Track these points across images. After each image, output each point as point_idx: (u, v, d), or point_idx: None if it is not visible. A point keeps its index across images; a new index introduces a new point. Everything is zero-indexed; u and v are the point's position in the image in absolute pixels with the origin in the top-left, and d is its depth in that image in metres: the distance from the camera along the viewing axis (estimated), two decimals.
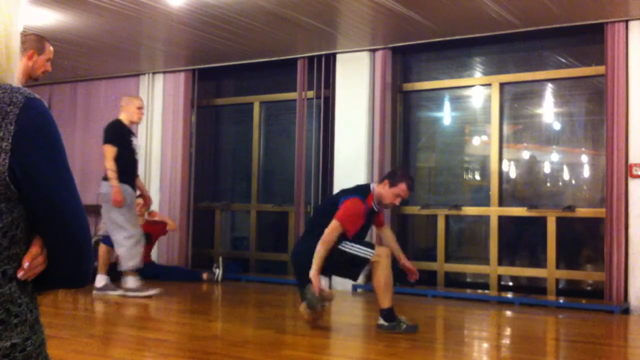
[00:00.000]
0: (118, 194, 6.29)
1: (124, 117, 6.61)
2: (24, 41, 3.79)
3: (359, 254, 4.90)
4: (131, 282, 6.55)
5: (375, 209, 5.16)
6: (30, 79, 3.94)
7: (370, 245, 4.98)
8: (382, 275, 4.84)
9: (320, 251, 4.82)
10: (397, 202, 5.12)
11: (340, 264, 4.97)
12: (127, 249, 6.46)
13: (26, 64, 3.82)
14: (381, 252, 4.92)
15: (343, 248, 4.92)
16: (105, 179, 6.43)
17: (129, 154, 6.52)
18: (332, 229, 4.87)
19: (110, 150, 6.36)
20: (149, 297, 6.51)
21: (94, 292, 6.61)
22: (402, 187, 5.06)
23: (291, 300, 7.13)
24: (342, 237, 4.94)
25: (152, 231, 8.09)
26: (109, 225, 6.55)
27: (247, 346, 4.60)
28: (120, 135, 6.48)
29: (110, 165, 6.33)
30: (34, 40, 3.90)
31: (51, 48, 4.02)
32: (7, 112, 1.17)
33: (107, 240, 6.72)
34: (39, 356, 1.23)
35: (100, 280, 6.67)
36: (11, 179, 1.16)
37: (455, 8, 6.19)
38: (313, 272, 4.80)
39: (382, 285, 4.86)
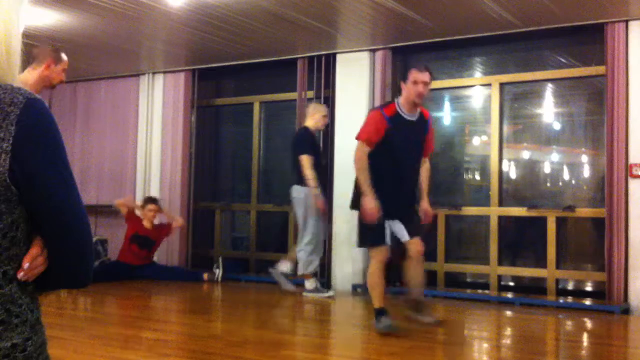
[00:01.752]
0: (322, 202, 6.73)
1: (310, 124, 6.81)
2: (40, 52, 4.06)
3: (367, 233, 4.90)
4: (308, 284, 6.80)
5: (405, 116, 4.88)
6: (46, 87, 4.16)
7: (380, 238, 4.84)
8: (369, 278, 4.95)
9: (358, 176, 4.85)
10: (421, 89, 4.81)
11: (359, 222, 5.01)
12: (306, 254, 6.73)
13: (43, 73, 4.04)
14: (377, 254, 4.89)
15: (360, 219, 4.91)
16: (298, 183, 6.74)
17: (316, 161, 6.74)
18: (356, 149, 4.87)
19: (307, 159, 6.62)
20: (329, 297, 6.72)
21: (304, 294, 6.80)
22: (412, 74, 4.86)
23: (291, 300, 7.14)
24: (378, 157, 4.81)
25: (157, 237, 8.09)
26: (303, 228, 6.83)
27: (247, 346, 4.60)
28: (310, 143, 6.73)
29: (309, 174, 6.62)
30: (52, 51, 4.14)
31: (66, 59, 4.23)
32: (8, 113, 1.17)
33: None
34: (39, 356, 1.23)
35: (310, 283, 6.86)
36: (11, 179, 1.16)
37: (455, 8, 6.19)
38: (365, 199, 4.74)
39: (369, 286, 4.99)
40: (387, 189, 4.81)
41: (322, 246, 6.98)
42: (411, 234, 4.89)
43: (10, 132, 1.16)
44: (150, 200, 8.19)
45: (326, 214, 6.86)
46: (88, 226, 1.27)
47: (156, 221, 8.11)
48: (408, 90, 4.84)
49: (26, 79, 3.97)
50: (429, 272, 7.35)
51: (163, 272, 8.05)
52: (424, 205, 5.17)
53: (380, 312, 4.82)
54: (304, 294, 6.78)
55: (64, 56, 4.21)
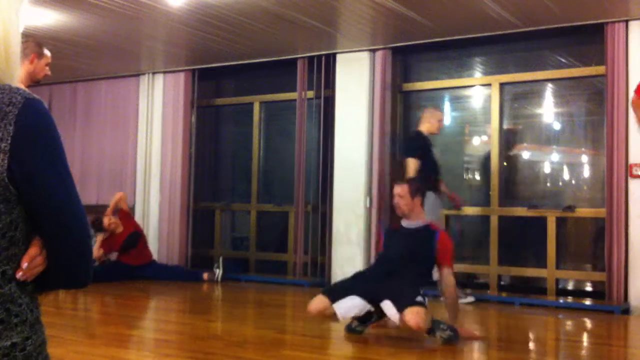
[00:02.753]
0: (455, 195, 6.60)
1: (424, 129, 6.57)
2: (25, 47, 4.00)
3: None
4: None
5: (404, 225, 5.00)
6: (33, 82, 4.13)
7: (330, 291, 4.79)
8: None
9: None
10: (394, 199, 4.95)
11: None
12: None
13: (29, 68, 4.03)
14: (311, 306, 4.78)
15: None
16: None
17: (429, 165, 6.49)
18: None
19: (413, 163, 6.38)
20: (467, 304, 6.45)
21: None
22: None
23: (291, 300, 7.14)
24: None
25: (133, 226, 8.10)
26: None
27: (247, 346, 4.60)
28: (422, 147, 6.50)
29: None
30: (35, 45, 4.12)
31: (49, 53, 4.24)
32: (6, 113, 1.17)
33: None
34: (39, 356, 1.22)
35: None
36: (10, 179, 1.16)
37: (455, 8, 6.19)
38: None
39: None
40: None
41: None
42: (400, 306, 4.42)
43: (8, 131, 1.16)
44: (100, 229, 8.00)
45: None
46: (87, 226, 1.27)
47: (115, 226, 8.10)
48: None
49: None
50: None
51: (163, 272, 8.05)
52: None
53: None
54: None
55: (46, 51, 4.21)
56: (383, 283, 4.58)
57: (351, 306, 4.53)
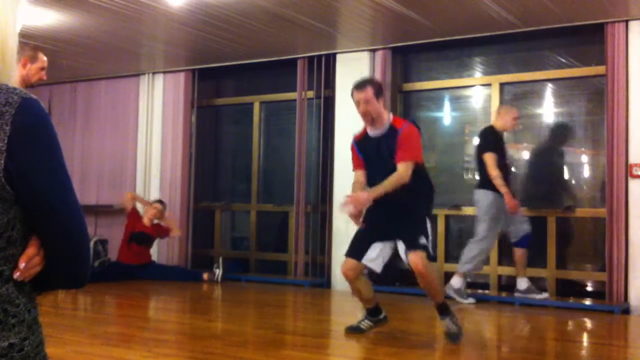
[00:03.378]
0: (511, 200, 6.20)
1: (498, 124, 6.46)
2: (18, 51, 4.00)
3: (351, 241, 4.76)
4: (455, 281, 6.47)
5: (370, 134, 4.61)
6: (26, 87, 4.10)
7: (351, 251, 4.67)
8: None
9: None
10: (361, 109, 4.52)
11: None
12: (470, 251, 6.40)
13: (21, 72, 4.01)
14: (343, 264, 4.67)
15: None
16: (482, 187, 6.39)
17: (502, 161, 6.35)
18: None
19: (491, 158, 6.26)
20: (470, 304, 6.38)
21: (516, 294, 6.48)
22: (352, 93, 4.63)
23: (291, 300, 7.15)
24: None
25: (154, 233, 8.10)
26: (477, 227, 6.48)
27: (247, 346, 4.60)
28: (495, 142, 6.38)
29: (494, 173, 6.22)
30: (28, 49, 4.11)
31: (44, 58, 4.21)
32: (3, 113, 1.16)
33: (523, 242, 6.50)
34: (37, 356, 1.22)
35: (522, 283, 6.48)
36: (7, 179, 1.16)
37: (455, 8, 6.19)
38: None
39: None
40: (369, 210, 4.56)
41: (487, 253, 6.60)
42: (407, 247, 4.44)
43: (5, 131, 1.16)
44: (158, 200, 8.26)
45: (516, 210, 6.30)
46: (85, 226, 1.27)
47: (155, 222, 8.13)
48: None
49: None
50: None
51: (163, 272, 8.05)
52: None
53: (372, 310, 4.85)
54: (449, 293, 6.35)
55: (41, 55, 4.18)
56: (388, 224, 4.52)
57: (378, 255, 4.56)
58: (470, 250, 6.41)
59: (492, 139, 6.38)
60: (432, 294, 4.55)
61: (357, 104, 4.52)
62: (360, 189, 4.55)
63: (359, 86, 4.55)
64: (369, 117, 4.51)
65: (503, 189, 6.19)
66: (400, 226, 4.50)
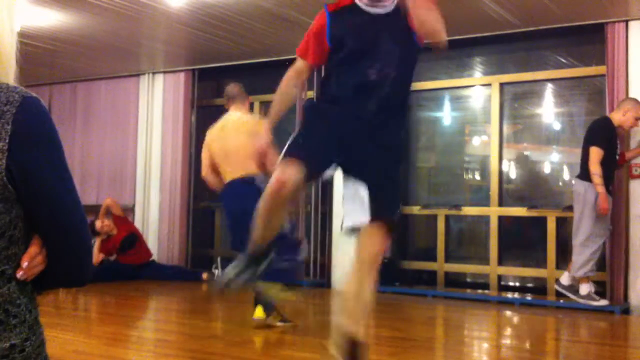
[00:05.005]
0: (604, 202, 5.81)
1: (616, 118, 5.99)
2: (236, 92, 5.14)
3: (296, 140, 3.08)
4: (583, 288, 6.14)
5: (368, 6, 2.93)
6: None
7: (303, 150, 2.96)
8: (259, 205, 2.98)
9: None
10: None
11: None
12: (580, 255, 6.04)
13: None
14: (281, 169, 2.85)
15: None
16: (580, 177, 6.04)
17: (610, 158, 5.96)
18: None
19: (596, 152, 5.87)
20: (601, 307, 6.05)
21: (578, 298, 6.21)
22: None
23: (291, 300, 7.13)
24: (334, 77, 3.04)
25: (129, 229, 8.11)
26: (578, 226, 6.10)
27: (247, 346, 4.60)
28: (606, 137, 5.96)
29: (594, 169, 5.85)
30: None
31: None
32: (4, 112, 1.16)
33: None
34: (38, 357, 1.22)
35: (583, 288, 6.17)
36: (8, 179, 1.16)
37: (455, 8, 6.19)
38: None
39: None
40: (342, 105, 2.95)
41: (601, 250, 6.08)
42: (376, 208, 2.86)
43: (6, 130, 1.15)
44: (93, 232, 7.98)
45: (607, 215, 5.92)
46: (86, 225, 1.27)
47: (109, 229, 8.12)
48: None
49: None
50: (429, 272, 7.37)
51: (163, 271, 8.06)
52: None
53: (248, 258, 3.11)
54: (577, 299, 6.13)
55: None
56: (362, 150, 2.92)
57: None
58: (580, 255, 6.02)
59: (604, 133, 5.96)
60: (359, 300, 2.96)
61: None
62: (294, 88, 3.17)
63: None
64: None
65: (599, 188, 5.81)
66: (376, 167, 2.92)
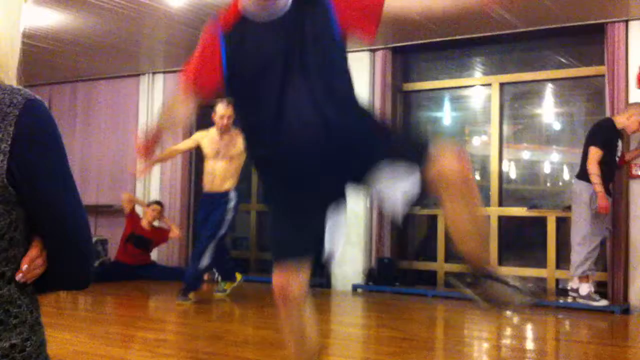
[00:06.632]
0: (603, 200, 5.83)
1: (620, 121, 6.02)
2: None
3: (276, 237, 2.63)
4: (583, 288, 6.13)
5: (259, 16, 2.32)
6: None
7: (289, 245, 2.53)
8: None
9: None
10: None
11: None
12: (577, 255, 6.06)
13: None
14: (276, 276, 2.53)
15: None
16: (579, 176, 6.08)
17: (609, 160, 5.98)
18: None
19: (595, 152, 5.91)
20: (602, 308, 6.02)
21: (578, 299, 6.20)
22: None
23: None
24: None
25: (153, 237, 8.11)
26: (575, 226, 6.15)
27: (247, 346, 4.60)
28: (607, 138, 5.99)
29: (592, 168, 5.89)
30: None
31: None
32: (7, 114, 1.16)
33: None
34: (38, 357, 1.22)
35: (584, 287, 6.16)
36: (9, 180, 1.16)
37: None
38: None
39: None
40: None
41: (598, 250, 6.07)
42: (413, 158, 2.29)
43: (9, 132, 1.15)
44: (156, 201, 8.26)
45: (605, 215, 5.96)
46: (88, 228, 1.27)
47: (155, 224, 8.14)
48: None
49: None
50: (429, 272, 7.37)
51: (163, 272, 8.05)
52: None
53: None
54: (578, 299, 6.14)
55: None
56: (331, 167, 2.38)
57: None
58: (578, 254, 6.04)
59: (604, 134, 6.01)
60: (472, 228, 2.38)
61: None
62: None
63: None
64: None
65: (597, 187, 5.85)
66: (361, 150, 2.35)
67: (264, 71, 2.31)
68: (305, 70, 2.31)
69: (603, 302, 6.07)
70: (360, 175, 2.38)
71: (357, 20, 2.49)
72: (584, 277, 6.09)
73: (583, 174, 6.01)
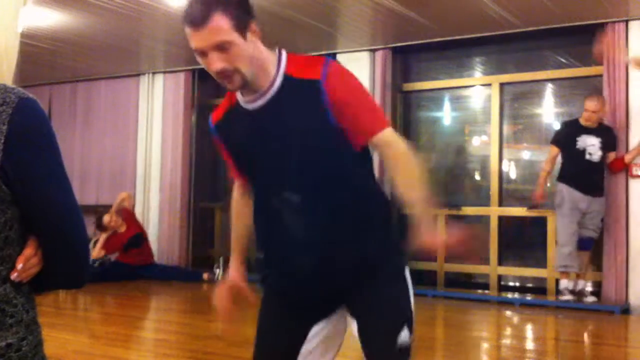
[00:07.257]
0: (535, 193, 6.39)
1: (582, 118, 6.14)
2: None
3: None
4: (562, 283, 6.30)
5: (248, 104, 2.07)
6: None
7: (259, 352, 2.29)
8: None
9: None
10: (210, 63, 2.00)
11: None
12: (559, 252, 6.26)
13: None
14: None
15: None
16: (557, 178, 6.31)
17: (571, 155, 6.17)
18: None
19: (551, 150, 6.30)
20: (602, 308, 6.12)
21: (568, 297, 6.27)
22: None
23: None
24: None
25: (137, 228, 8.13)
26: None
27: (247, 346, 4.58)
28: (563, 135, 6.30)
29: (545, 166, 6.35)
30: None
31: None
32: (0, 113, 1.16)
33: (585, 245, 6.31)
34: (35, 356, 1.22)
35: (579, 285, 6.32)
36: (3, 179, 1.15)
37: (455, 8, 6.19)
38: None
39: None
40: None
41: (575, 246, 6.20)
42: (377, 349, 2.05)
43: (2, 131, 1.15)
44: (101, 227, 8.07)
45: (582, 214, 6.15)
46: (83, 226, 1.26)
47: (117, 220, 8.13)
48: None
49: None
50: (429, 272, 7.37)
51: (163, 272, 8.05)
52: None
53: None
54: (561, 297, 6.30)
55: None
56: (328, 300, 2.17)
57: (315, 347, 2.23)
58: (557, 252, 6.32)
59: (560, 131, 6.40)
60: None
61: (202, 54, 1.97)
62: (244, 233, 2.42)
63: (194, 18, 1.90)
64: (236, 77, 2.00)
65: (539, 182, 6.35)
66: (360, 303, 2.11)
67: (262, 158, 2.05)
68: (295, 182, 1.97)
69: (591, 299, 6.23)
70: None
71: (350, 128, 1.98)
72: (564, 274, 6.29)
73: (559, 176, 6.31)
